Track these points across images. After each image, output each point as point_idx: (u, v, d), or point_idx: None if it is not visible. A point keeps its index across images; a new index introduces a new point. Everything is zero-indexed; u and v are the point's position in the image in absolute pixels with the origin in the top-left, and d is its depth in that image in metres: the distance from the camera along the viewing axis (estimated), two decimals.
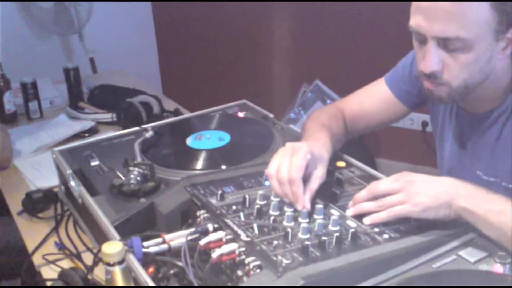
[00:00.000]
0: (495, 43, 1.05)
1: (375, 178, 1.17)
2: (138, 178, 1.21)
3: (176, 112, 1.94)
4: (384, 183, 1.06)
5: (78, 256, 1.25)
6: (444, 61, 1.07)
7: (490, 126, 1.16)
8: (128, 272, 0.90)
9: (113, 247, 0.87)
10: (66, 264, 1.25)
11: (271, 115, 1.57)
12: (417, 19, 1.06)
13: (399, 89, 1.38)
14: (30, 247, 1.32)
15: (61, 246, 1.30)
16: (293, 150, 1.10)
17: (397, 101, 1.38)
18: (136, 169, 1.23)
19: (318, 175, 1.10)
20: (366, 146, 2.98)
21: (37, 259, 1.27)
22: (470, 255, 0.94)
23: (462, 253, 0.95)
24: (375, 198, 1.04)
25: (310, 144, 1.14)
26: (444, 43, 1.05)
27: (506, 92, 1.13)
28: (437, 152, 1.39)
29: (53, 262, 1.25)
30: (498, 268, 0.89)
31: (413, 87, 1.35)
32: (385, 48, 2.75)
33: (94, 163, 1.36)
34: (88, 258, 1.23)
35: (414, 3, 1.08)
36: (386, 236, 0.98)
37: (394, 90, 1.38)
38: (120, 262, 0.87)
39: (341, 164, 1.25)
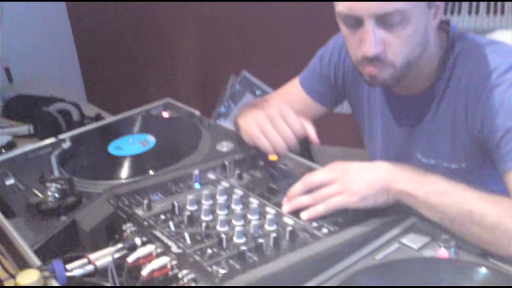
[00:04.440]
0: (428, 10, 1.04)
1: (310, 170, 1.12)
2: (56, 195, 1.12)
3: (98, 118, 1.84)
4: (318, 174, 1.01)
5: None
6: (385, 40, 1.02)
7: (425, 107, 1.14)
8: None
9: (28, 277, 0.79)
10: None
11: (197, 112, 1.49)
12: (348, 3, 1.01)
13: (313, 91, 1.36)
14: None
15: None
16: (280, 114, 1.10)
17: (314, 102, 1.36)
18: (54, 184, 1.13)
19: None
20: None
21: None
22: (413, 241, 0.91)
23: (404, 240, 0.92)
24: (310, 191, 0.99)
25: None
26: (382, 20, 1.00)
27: (437, 71, 1.11)
28: (366, 144, 1.36)
29: None
30: (443, 252, 0.86)
31: (326, 87, 1.34)
32: (311, 35, 2.72)
33: (9, 182, 1.26)
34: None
35: None
36: (325, 230, 0.93)
37: (308, 92, 1.36)
38: None
39: (273, 157, 1.19)
